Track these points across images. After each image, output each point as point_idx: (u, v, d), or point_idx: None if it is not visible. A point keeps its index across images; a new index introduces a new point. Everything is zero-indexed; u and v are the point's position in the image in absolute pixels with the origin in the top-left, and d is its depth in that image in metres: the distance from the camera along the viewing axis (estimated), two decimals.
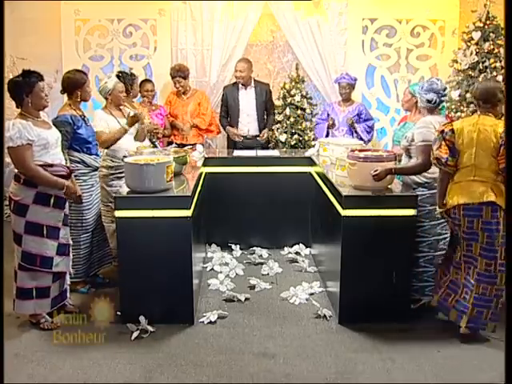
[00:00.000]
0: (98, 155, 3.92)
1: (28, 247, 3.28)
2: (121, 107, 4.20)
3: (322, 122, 5.30)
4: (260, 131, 5.45)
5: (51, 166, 3.27)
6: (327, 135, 5.20)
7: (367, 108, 5.43)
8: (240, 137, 5.39)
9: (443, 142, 3.18)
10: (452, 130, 3.18)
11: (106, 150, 4.16)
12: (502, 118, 3.14)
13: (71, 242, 3.52)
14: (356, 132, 5.13)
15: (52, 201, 3.29)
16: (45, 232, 3.28)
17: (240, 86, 5.38)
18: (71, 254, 3.52)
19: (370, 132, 5.18)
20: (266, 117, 5.55)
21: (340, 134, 5.15)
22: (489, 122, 3.14)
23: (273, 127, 5.62)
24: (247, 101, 5.39)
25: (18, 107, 3.26)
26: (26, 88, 3.18)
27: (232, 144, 5.49)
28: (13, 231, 3.30)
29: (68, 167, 3.41)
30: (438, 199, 3.33)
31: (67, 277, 3.58)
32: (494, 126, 3.11)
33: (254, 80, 5.45)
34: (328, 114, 5.26)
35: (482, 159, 3.12)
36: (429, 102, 3.44)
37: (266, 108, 5.50)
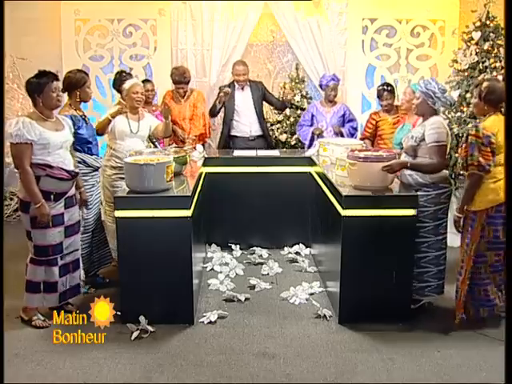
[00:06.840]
0: (98, 155, 3.93)
1: (38, 241, 3.34)
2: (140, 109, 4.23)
3: (306, 124, 5.23)
4: (262, 131, 5.34)
5: (51, 167, 3.29)
6: (312, 139, 5.14)
7: (350, 108, 5.38)
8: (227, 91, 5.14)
9: (487, 148, 3.15)
10: (493, 134, 3.16)
11: (111, 151, 4.16)
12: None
13: (80, 218, 3.62)
14: (342, 135, 5.08)
15: (52, 197, 3.33)
16: (50, 223, 3.31)
17: (237, 86, 5.30)
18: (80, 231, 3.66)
19: (354, 134, 5.16)
20: (264, 115, 5.45)
21: (328, 135, 5.09)
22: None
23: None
24: (245, 101, 5.29)
25: (34, 106, 3.33)
26: (37, 88, 3.26)
27: (232, 144, 5.32)
28: (25, 228, 3.37)
29: (70, 172, 3.39)
30: (462, 203, 3.32)
31: (81, 272, 3.64)
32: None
33: (249, 80, 5.35)
34: (312, 115, 5.20)
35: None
36: (449, 103, 3.45)
37: (268, 101, 5.39)
